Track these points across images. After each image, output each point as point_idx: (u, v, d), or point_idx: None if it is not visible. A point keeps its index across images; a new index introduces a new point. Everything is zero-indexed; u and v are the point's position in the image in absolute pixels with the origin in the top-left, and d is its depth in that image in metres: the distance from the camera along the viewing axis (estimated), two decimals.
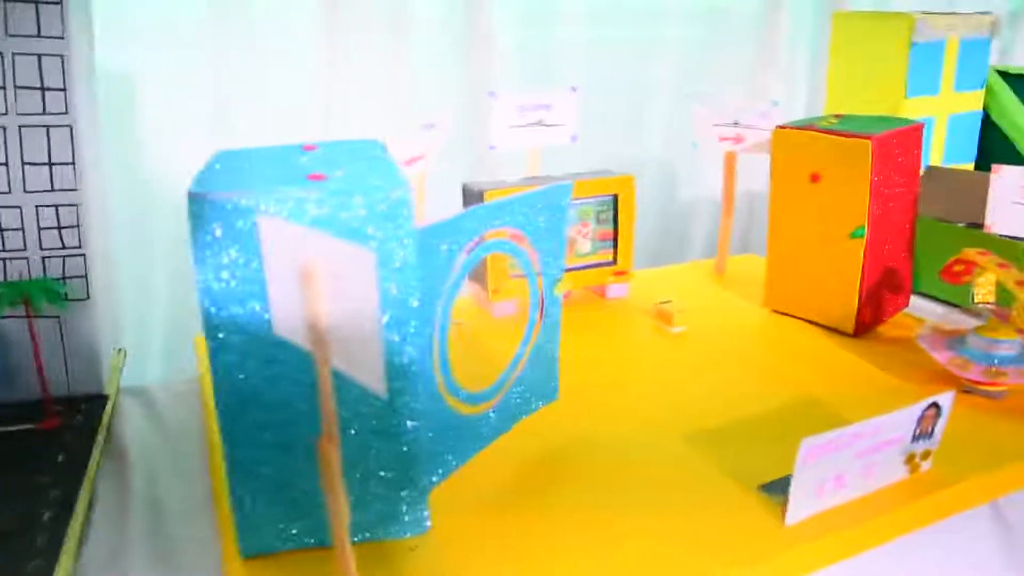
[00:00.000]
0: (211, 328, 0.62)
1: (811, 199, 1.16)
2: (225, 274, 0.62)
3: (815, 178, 1.15)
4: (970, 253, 1.05)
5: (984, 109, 1.40)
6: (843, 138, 1.11)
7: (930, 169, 1.29)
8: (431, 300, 0.72)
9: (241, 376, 0.63)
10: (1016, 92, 1.41)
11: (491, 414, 0.87)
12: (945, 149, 1.36)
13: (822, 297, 1.20)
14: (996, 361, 0.97)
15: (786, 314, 1.26)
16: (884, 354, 1.13)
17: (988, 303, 1.05)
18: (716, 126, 1.34)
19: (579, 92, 1.29)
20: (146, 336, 1.32)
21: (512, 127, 1.26)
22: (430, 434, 0.75)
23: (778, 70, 1.70)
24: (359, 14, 1.38)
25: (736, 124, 1.33)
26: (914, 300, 1.27)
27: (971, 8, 2.13)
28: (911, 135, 1.15)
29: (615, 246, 1.29)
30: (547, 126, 1.28)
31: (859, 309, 1.14)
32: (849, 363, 1.11)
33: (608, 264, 1.30)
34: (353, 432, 0.68)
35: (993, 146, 1.40)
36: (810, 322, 1.23)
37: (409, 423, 0.68)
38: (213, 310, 0.62)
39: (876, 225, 1.14)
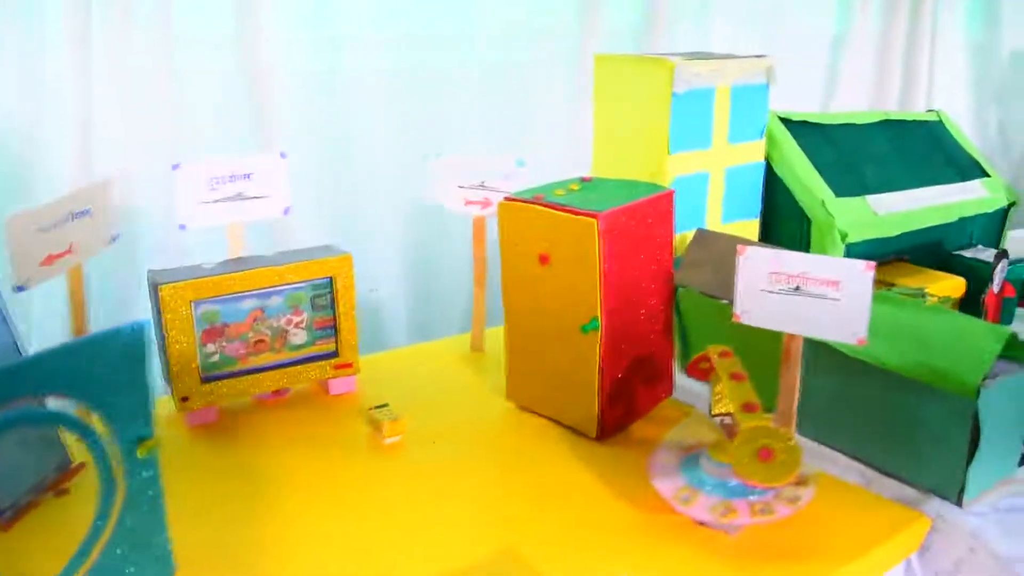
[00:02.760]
0: None
1: (542, 284, 1.04)
2: None
3: (544, 259, 0.94)
4: (713, 352, 0.85)
5: (767, 160, 1.20)
6: (568, 215, 0.91)
7: (700, 233, 1.08)
8: None
9: None
10: (798, 140, 1.21)
11: None
12: (724, 206, 1.17)
13: (562, 395, 1.06)
14: (728, 493, 0.76)
15: (530, 411, 1.11)
16: (629, 464, 0.99)
17: (724, 415, 0.84)
18: (461, 188, 1.11)
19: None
20: None
21: (203, 203, 1.01)
22: None
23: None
24: None
25: (483, 186, 1.10)
26: (688, 384, 1.12)
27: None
28: (660, 203, 1.05)
29: (336, 335, 1.05)
30: (250, 198, 1.04)
31: (601, 411, 0.95)
32: (584, 483, 0.96)
33: (329, 356, 1.06)
34: None
35: (778, 199, 1.21)
36: (555, 421, 1.08)
37: None
38: None
39: (616, 312, 1.01)
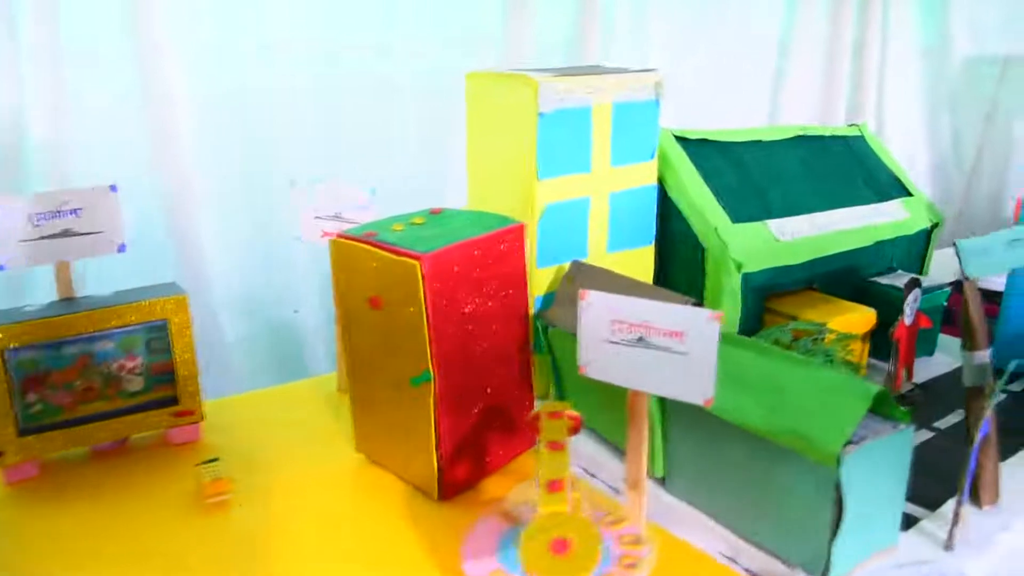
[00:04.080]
0: None
1: (375, 330, 0.91)
2: None
3: (375, 303, 0.80)
4: (545, 411, 0.81)
5: (660, 182, 1.05)
6: (392, 256, 0.76)
7: (575, 266, 0.95)
8: None
9: None
10: (696, 160, 1.07)
11: None
12: (611, 234, 1.03)
13: (403, 451, 0.94)
14: None
15: (379, 464, 0.98)
16: (468, 530, 0.84)
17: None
18: (318, 219, 0.97)
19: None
20: None
21: (23, 241, 0.88)
22: None
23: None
24: None
25: (338, 216, 0.97)
26: None
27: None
28: (508, 237, 0.92)
29: (175, 381, 0.91)
30: (79, 235, 0.91)
31: (441, 470, 0.81)
32: (414, 552, 0.83)
33: (169, 403, 0.92)
34: None
35: (673, 225, 1.07)
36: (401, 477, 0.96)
37: None
38: None
39: (454, 361, 0.88)
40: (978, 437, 0.81)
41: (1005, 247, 0.98)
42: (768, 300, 1.17)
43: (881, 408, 0.80)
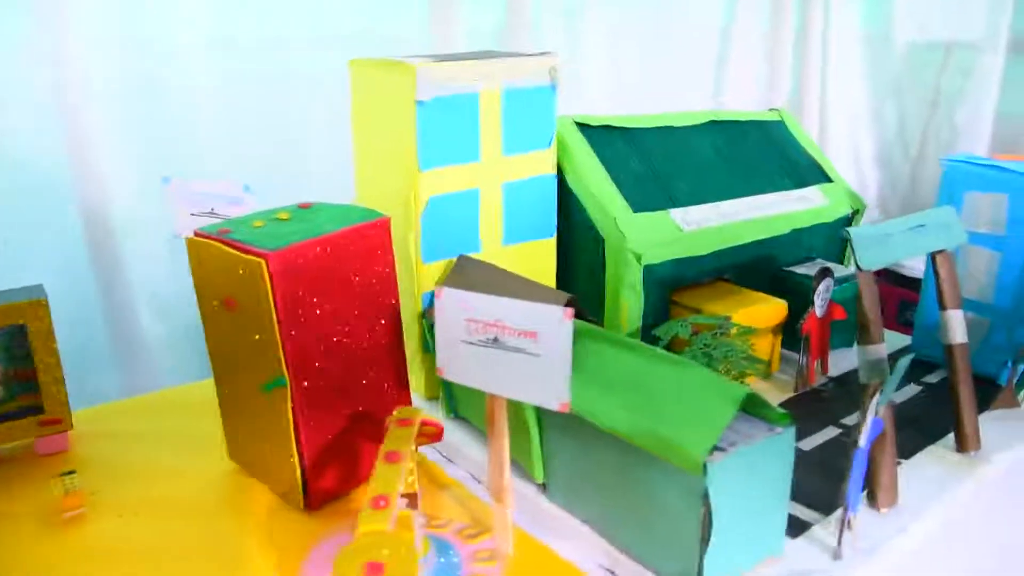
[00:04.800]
0: None
1: (232, 333, 0.83)
2: None
3: (230, 305, 0.72)
4: (393, 418, 0.76)
5: (559, 171, 0.97)
6: (240, 254, 0.68)
7: (460, 261, 0.87)
8: None
9: None
10: (597, 148, 1.00)
11: None
12: (506, 226, 0.95)
13: (267, 460, 0.86)
14: None
15: (249, 474, 0.91)
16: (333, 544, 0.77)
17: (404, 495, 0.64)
18: (193, 215, 0.89)
19: None
20: None
21: None
22: None
23: None
24: None
25: (212, 213, 0.88)
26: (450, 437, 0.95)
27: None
28: (372, 232, 0.84)
29: (39, 388, 0.83)
30: None
31: (306, 480, 0.74)
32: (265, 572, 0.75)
33: (34, 411, 0.84)
34: None
35: (573, 216, 0.99)
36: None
37: None
38: None
39: (312, 365, 0.80)
40: (864, 438, 0.73)
41: (904, 235, 0.91)
42: (675, 292, 1.10)
43: (757, 410, 0.72)
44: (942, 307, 0.95)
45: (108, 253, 1.31)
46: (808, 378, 1.09)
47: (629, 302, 1.05)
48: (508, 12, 1.73)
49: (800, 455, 0.93)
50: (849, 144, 2.29)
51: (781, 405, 1.02)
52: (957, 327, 0.94)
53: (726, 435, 0.70)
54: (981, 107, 2.23)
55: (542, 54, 1.05)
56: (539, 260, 1.10)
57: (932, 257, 0.97)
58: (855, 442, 0.73)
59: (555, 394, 0.68)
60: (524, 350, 0.70)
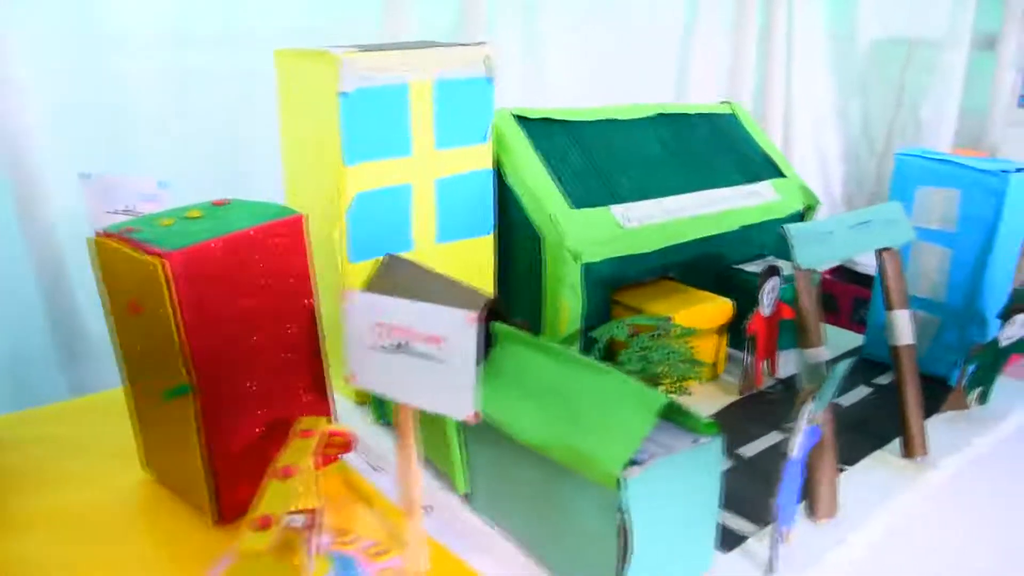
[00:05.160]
0: None
1: (138, 337, 0.78)
2: None
3: (134, 308, 0.66)
4: (299, 427, 0.72)
5: (497, 166, 0.92)
6: (139, 255, 0.62)
7: (387, 260, 0.82)
8: None
9: None
10: (537, 141, 0.95)
11: None
12: (440, 223, 0.90)
13: (179, 471, 0.81)
14: None
15: (163, 484, 0.86)
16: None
17: (296, 513, 0.59)
18: (108, 213, 0.84)
19: None
20: None
21: None
22: None
23: None
24: None
25: (128, 210, 0.83)
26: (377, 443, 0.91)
27: None
28: (285, 230, 0.79)
29: None
30: None
31: (218, 491, 0.70)
32: None
33: None
34: None
35: (512, 213, 0.94)
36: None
37: None
38: None
39: (222, 371, 0.75)
40: (797, 448, 0.69)
41: (848, 232, 0.86)
42: (617, 292, 1.05)
43: (683, 420, 0.67)
44: (888, 307, 0.91)
45: (49, 253, 1.25)
46: (755, 380, 1.05)
47: (568, 302, 1.00)
48: (463, 8, 1.68)
49: (741, 463, 0.89)
50: (814, 141, 2.25)
51: (725, 409, 0.98)
52: (904, 328, 0.90)
53: (647, 447, 0.65)
54: (945, 103, 2.20)
55: (477, 44, 1.00)
56: (476, 258, 1.05)
57: (879, 255, 0.92)
58: (785, 453, 0.68)
59: (462, 404, 0.63)
60: (430, 356, 0.65)
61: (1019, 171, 1.01)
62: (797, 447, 0.68)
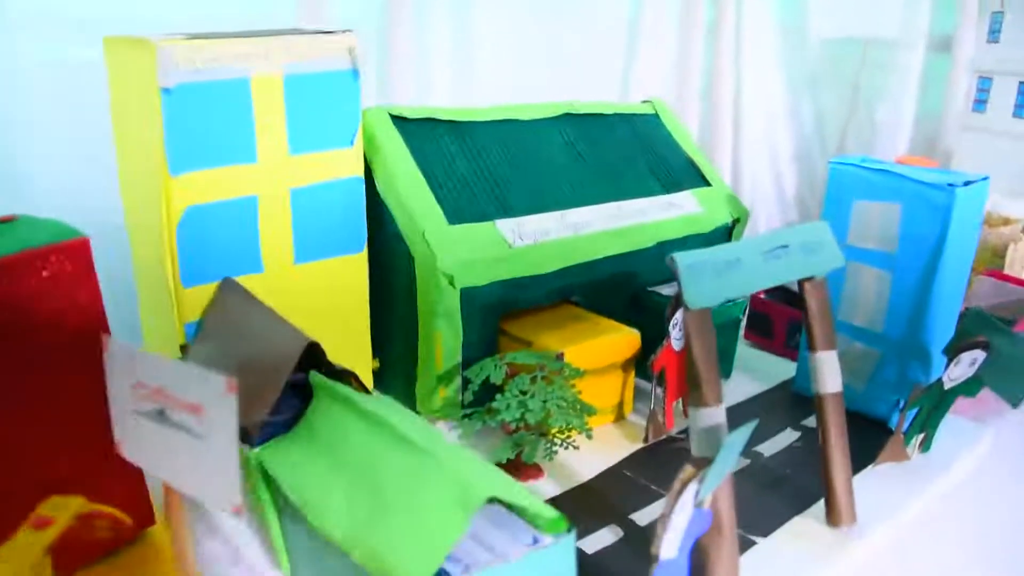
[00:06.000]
0: None
1: None
2: None
3: None
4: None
5: (368, 173, 0.75)
6: None
7: (224, 286, 0.65)
8: None
9: None
10: (415, 145, 0.78)
11: None
12: (297, 241, 0.74)
13: None
14: None
15: None
16: None
17: None
18: None
19: None
20: None
21: None
22: None
23: None
24: None
25: None
26: None
27: None
28: (58, 260, 0.63)
29: None
30: None
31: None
32: None
33: None
34: None
35: (386, 228, 0.77)
36: None
37: None
38: None
39: None
40: (667, 547, 0.53)
41: (758, 260, 0.70)
42: (507, 319, 0.89)
43: (524, 513, 0.51)
44: (811, 348, 0.75)
45: None
46: (664, 424, 0.89)
47: (443, 333, 0.84)
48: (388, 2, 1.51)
49: (632, 531, 0.73)
50: (766, 141, 2.10)
51: (625, 459, 0.82)
52: (829, 373, 0.75)
53: (474, 552, 0.49)
54: (901, 105, 2.06)
55: (341, 32, 0.83)
56: (346, 280, 0.89)
57: (800, 286, 0.76)
58: (653, 555, 0.52)
59: (224, 491, 0.47)
60: (190, 429, 0.48)
61: (967, 184, 0.85)
62: (666, 546, 0.52)
